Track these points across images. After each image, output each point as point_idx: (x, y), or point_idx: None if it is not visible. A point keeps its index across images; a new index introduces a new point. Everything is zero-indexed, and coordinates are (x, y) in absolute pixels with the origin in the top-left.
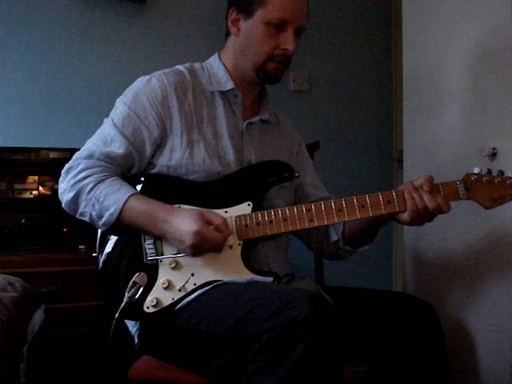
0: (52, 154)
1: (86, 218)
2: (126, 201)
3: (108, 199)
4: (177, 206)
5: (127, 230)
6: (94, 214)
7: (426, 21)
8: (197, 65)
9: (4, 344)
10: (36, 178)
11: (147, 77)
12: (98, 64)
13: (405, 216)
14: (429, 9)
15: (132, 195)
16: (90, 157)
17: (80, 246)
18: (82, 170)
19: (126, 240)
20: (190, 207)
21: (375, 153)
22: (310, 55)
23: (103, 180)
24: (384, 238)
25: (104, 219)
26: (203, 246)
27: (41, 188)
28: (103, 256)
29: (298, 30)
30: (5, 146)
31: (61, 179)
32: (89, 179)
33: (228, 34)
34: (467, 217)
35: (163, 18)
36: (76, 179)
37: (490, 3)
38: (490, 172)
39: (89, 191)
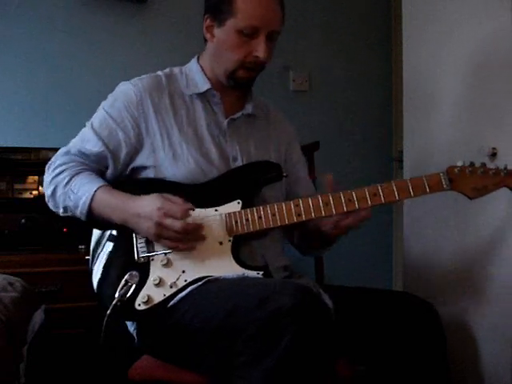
0: (52, 154)
1: (69, 212)
2: (98, 189)
3: (82, 189)
4: None
5: (100, 220)
6: (71, 204)
7: (426, 21)
8: (176, 69)
9: (4, 344)
10: (36, 178)
11: (126, 83)
12: (98, 64)
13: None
14: (429, 9)
15: (102, 186)
16: (66, 153)
17: (80, 246)
18: (58, 166)
19: (118, 240)
20: None
21: (375, 153)
22: (309, 55)
23: (78, 173)
24: (384, 238)
25: (79, 208)
26: (166, 223)
27: (41, 188)
28: (96, 257)
29: (271, 35)
30: (5, 145)
31: (44, 176)
32: (64, 174)
33: (205, 38)
34: (468, 217)
35: (163, 18)
36: (53, 174)
37: (489, 3)
38: (472, 164)
39: (65, 185)
